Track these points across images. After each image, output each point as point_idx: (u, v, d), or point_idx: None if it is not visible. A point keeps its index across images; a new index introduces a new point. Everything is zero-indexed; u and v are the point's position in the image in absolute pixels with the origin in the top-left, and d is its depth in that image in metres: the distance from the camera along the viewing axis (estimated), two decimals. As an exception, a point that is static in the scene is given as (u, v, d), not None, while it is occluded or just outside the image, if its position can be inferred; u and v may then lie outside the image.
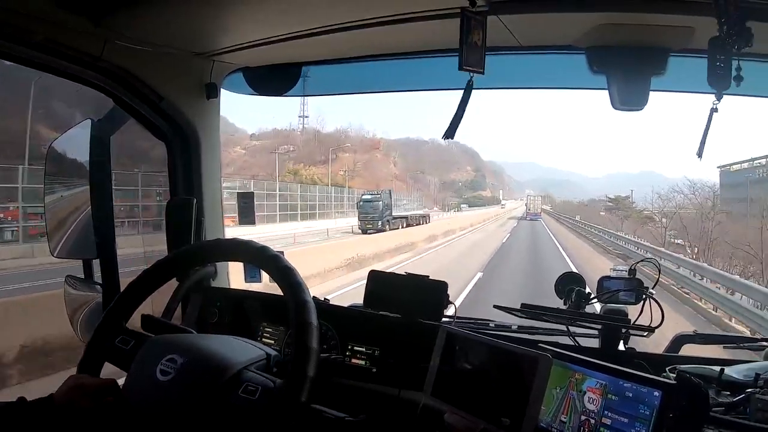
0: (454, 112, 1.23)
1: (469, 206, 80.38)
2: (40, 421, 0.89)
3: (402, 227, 27.36)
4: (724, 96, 1.05)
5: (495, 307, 1.46)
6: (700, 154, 1.15)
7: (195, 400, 0.89)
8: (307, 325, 0.91)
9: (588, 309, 1.41)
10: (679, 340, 1.42)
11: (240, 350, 1.00)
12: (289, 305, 0.94)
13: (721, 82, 1.02)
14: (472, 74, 1.18)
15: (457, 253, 17.61)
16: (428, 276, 1.44)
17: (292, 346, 0.92)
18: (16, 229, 13.55)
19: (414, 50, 1.59)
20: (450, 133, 1.23)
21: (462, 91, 1.23)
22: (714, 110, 1.09)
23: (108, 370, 1.04)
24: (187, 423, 0.88)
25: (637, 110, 1.38)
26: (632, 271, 1.43)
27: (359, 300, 1.50)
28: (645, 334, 1.24)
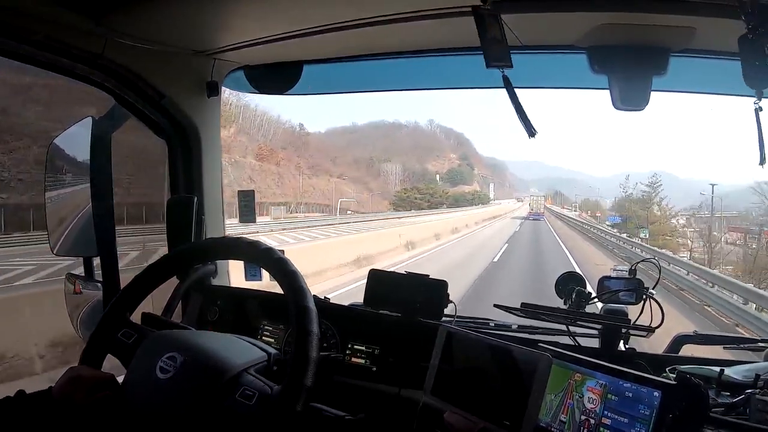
0: (516, 112, 1.23)
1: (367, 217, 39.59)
2: (38, 414, 0.90)
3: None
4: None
5: (495, 306, 1.46)
6: (762, 162, 1.12)
7: (191, 401, 0.89)
8: (308, 334, 0.91)
9: (588, 309, 1.41)
10: (679, 341, 1.42)
11: (240, 351, 1.00)
12: (291, 311, 0.94)
13: (760, 79, 1.00)
14: (502, 70, 1.19)
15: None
16: (428, 275, 1.45)
17: (292, 351, 0.92)
18: None
19: (414, 49, 1.59)
20: (530, 130, 1.23)
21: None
22: (759, 110, 1.06)
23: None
24: (182, 423, 0.88)
25: (638, 110, 1.38)
26: (632, 271, 1.43)
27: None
28: (645, 334, 1.24)
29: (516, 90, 1.23)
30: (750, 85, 1.01)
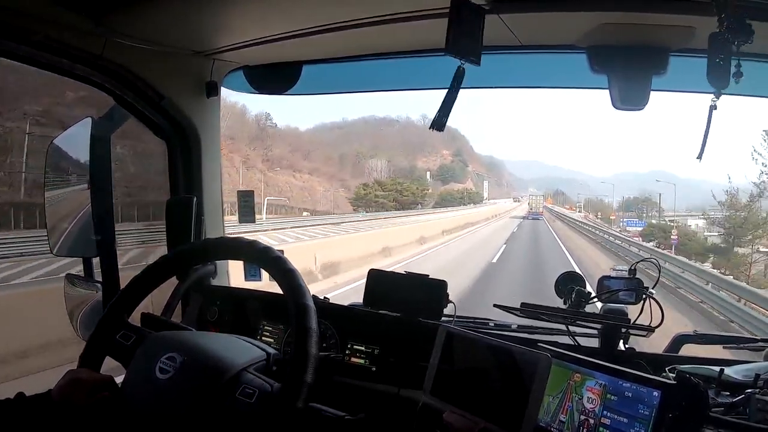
0: (442, 101, 1.19)
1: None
2: (38, 417, 0.90)
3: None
4: (724, 96, 1.04)
5: (495, 306, 1.46)
6: (700, 156, 1.14)
7: (192, 401, 0.89)
8: (308, 331, 0.92)
9: (588, 308, 1.41)
10: (679, 340, 1.42)
11: (240, 350, 1.00)
12: (290, 309, 0.94)
13: (720, 79, 1.00)
14: (462, 62, 1.16)
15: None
16: (428, 275, 1.45)
17: (292, 350, 0.92)
18: None
19: (415, 49, 1.59)
20: (438, 124, 1.20)
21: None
22: (713, 108, 1.07)
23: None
24: (183, 423, 0.88)
25: (638, 110, 1.38)
26: (632, 271, 1.43)
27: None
28: (645, 333, 1.24)
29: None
30: (712, 83, 1.02)
